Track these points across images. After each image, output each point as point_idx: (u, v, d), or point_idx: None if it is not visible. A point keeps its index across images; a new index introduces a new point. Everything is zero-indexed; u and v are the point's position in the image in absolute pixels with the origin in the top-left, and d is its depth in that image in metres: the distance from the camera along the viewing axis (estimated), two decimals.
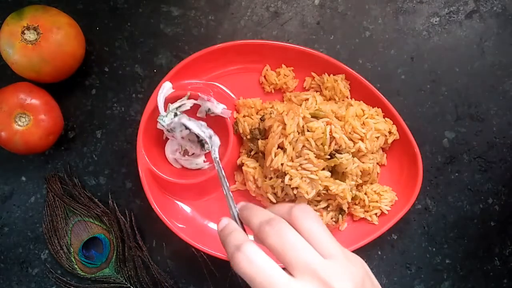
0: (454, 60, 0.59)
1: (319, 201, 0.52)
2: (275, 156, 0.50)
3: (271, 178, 0.52)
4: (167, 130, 0.54)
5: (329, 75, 0.56)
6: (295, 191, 0.50)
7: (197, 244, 0.53)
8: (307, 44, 0.59)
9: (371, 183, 0.55)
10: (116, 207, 0.58)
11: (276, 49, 0.56)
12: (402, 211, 0.55)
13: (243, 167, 0.55)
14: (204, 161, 0.57)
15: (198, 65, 0.55)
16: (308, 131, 0.50)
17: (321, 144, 0.49)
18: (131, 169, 0.58)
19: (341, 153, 0.50)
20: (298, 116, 0.50)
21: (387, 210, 0.55)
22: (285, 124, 0.51)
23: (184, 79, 0.55)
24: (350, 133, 0.51)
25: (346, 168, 0.51)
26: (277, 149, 0.51)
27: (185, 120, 0.53)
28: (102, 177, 0.59)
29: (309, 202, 0.52)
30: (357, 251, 0.50)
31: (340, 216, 0.54)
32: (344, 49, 0.59)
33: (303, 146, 0.50)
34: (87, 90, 0.59)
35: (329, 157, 0.50)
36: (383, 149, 0.57)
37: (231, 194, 0.45)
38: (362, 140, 0.51)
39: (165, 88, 0.54)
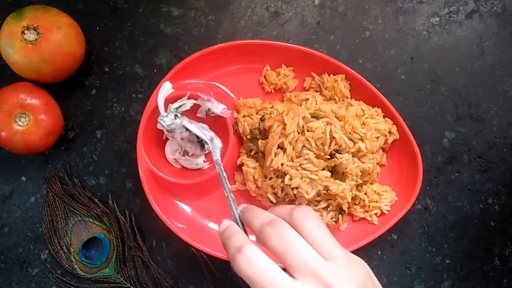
0: (454, 60, 0.59)
1: (319, 201, 0.52)
2: (275, 156, 0.50)
3: (271, 178, 0.52)
4: (167, 130, 0.54)
5: (329, 75, 0.56)
6: (295, 191, 0.50)
7: (197, 244, 0.53)
8: (307, 44, 0.59)
9: (371, 183, 0.55)
10: (116, 207, 0.58)
11: (276, 49, 0.56)
12: (402, 211, 0.55)
13: (243, 167, 0.55)
14: (204, 161, 0.57)
15: (198, 65, 0.55)
16: (308, 131, 0.50)
17: (321, 144, 0.49)
18: (131, 169, 0.58)
19: (341, 153, 0.50)
20: (298, 116, 0.50)
21: (387, 210, 0.55)
22: (285, 124, 0.51)
23: (184, 79, 0.55)
24: (350, 133, 0.51)
25: (346, 168, 0.51)
26: (277, 149, 0.51)
27: (186, 122, 0.53)
28: (102, 177, 0.59)
29: (309, 202, 0.52)
30: (357, 251, 0.50)
31: (340, 216, 0.54)
32: (344, 49, 0.59)
33: (303, 146, 0.50)
34: (87, 90, 0.59)
35: (329, 157, 0.50)
36: (383, 149, 0.57)
37: (232, 196, 0.45)
38: (362, 140, 0.51)
39: (165, 88, 0.54)
